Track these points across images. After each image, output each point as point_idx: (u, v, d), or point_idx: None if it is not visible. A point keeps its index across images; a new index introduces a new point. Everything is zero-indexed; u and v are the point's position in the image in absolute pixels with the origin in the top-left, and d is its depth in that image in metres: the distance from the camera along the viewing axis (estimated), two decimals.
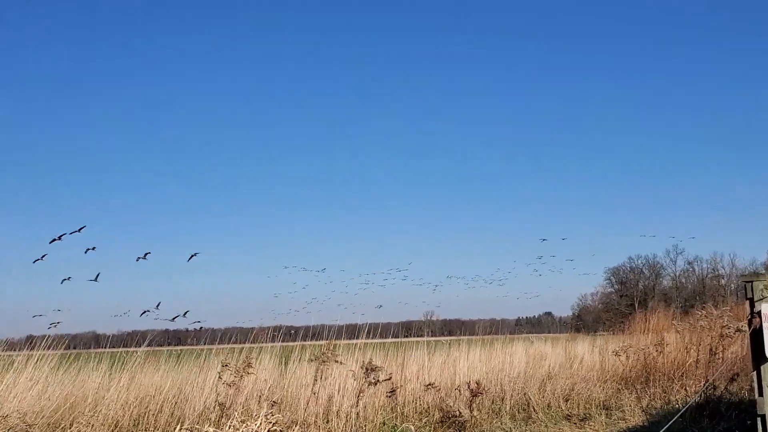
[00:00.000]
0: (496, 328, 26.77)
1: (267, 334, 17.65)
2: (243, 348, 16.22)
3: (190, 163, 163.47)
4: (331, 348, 14.78)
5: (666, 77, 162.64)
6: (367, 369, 14.38)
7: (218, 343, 18.33)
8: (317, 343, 16.97)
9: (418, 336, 25.19)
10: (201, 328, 18.45)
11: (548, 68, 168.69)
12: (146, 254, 20.17)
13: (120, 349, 16.83)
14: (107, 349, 17.56)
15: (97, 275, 18.07)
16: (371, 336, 17.63)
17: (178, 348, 21.30)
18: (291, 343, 18.37)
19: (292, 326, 20.20)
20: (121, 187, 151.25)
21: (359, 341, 16.86)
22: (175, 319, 19.26)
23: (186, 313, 17.84)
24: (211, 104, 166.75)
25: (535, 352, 23.11)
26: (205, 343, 19.19)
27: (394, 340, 21.89)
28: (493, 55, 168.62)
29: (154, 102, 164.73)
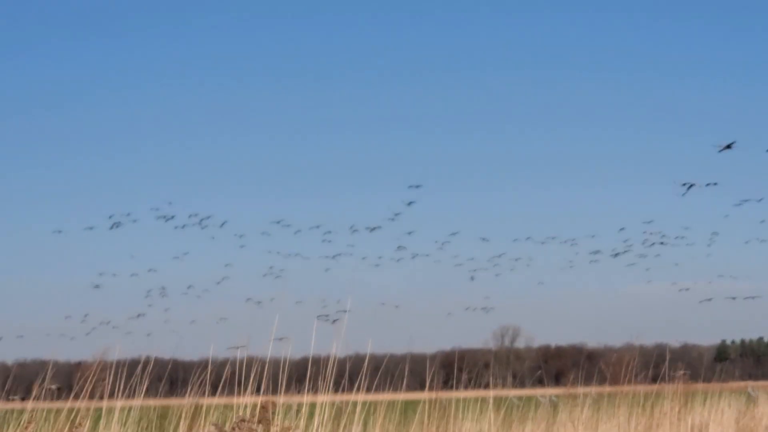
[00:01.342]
0: (666, 367, 22.28)
1: (111, 377, 17.88)
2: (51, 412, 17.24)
3: None
4: (264, 411, 14.48)
5: None
6: None
7: None
8: (232, 400, 15.84)
9: (476, 384, 22.27)
10: None
11: None
12: None
13: None
14: None
15: None
16: (368, 386, 16.78)
17: None
18: (172, 401, 18.49)
19: (174, 360, 19.45)
20: None
21: (334, 397, 15.43)
22: None
23: None
24: None
25: (758, 422, 21.57)
26: None
27: (415, 395, 19.12)
28: None
29: None
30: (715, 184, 42.06)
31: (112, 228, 46.28)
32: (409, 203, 47.18)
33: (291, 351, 16.75)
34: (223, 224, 49.16)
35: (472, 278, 53.56)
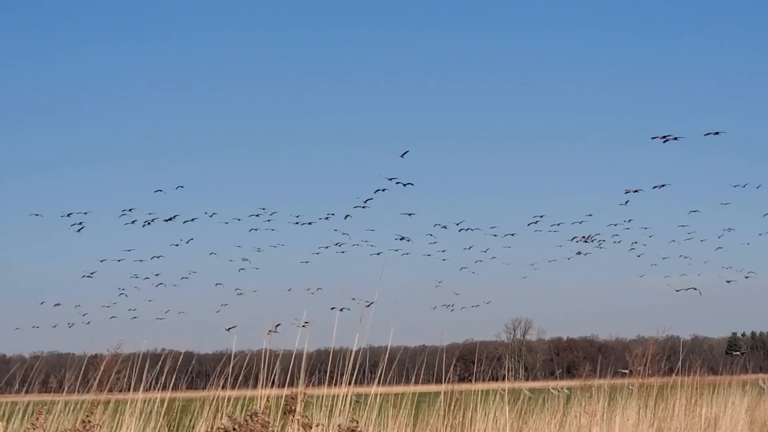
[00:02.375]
0: (679, 359, 22.28)
1: (129, 369, 17.84)
2: (64, 403, 17.02)
3: None
4: (295, 403, 14.64)
5: None
6: None
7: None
8: (251, 393, 15.97)
9: (491, 378, 22.39)
10: None
11: None
12: None
13: None
14: None
15: None
16: (383, 380, 17.75)
17: None
18: (192, 393, 20.33)
19: (189, 352, 19.93)
20: None
21: (350, 389, 15.43)
22: None
23: None
24: None
25: None
26: None
27: (430, 387, 19.21)
28: None
29: None
30: (663, 185, 42.43)
31: (73, 228, 46.51)
32: (391, 179, 46.47)
33: (307, 342, 16.85)
34: (193, 220, 49.62)
35: (438, 283, 52.70)
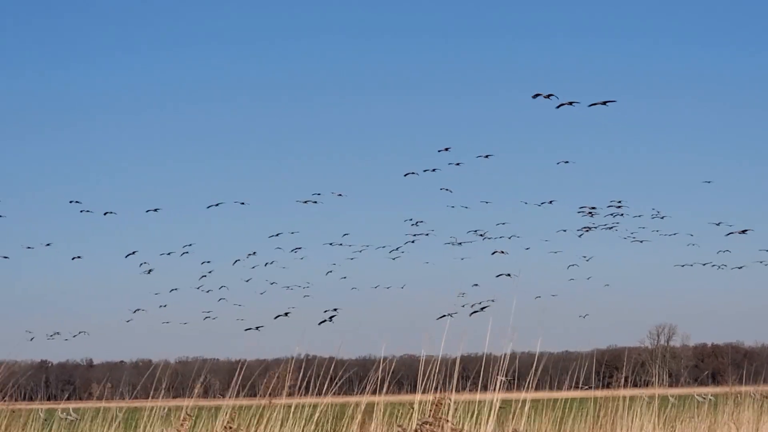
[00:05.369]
0: None
1: (281, 375, 16.79)
2: (220, 408, 16.87)
3: None
4: (439, 409, 13.72)
5: None
6: None
7: (152, 396, 20.87)
8: (401, 398, 17.67)
9: (635, 384, 22.26)
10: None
11: None
12: None
13: None
14: None
15: None
16: (530, 385, 16.65)
17: (73, 404, 23.19)
18: (341, 398, 18.33)
19: (332, 357, 19.26)
20: None
21: (498, 395, 15.24)
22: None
23: None
24: None
25: None
26: (122, 393, 22.12)
27: (575, 393, 19.33)
28: None
29: None
30: (611, 227, 42.36)
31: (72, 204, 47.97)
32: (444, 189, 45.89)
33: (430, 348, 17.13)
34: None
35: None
